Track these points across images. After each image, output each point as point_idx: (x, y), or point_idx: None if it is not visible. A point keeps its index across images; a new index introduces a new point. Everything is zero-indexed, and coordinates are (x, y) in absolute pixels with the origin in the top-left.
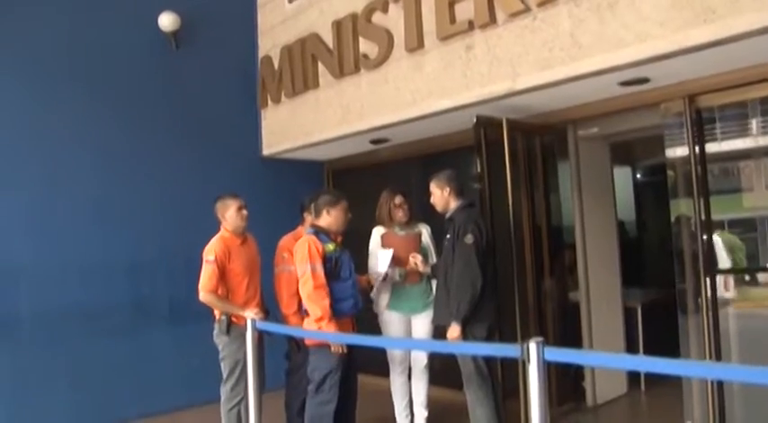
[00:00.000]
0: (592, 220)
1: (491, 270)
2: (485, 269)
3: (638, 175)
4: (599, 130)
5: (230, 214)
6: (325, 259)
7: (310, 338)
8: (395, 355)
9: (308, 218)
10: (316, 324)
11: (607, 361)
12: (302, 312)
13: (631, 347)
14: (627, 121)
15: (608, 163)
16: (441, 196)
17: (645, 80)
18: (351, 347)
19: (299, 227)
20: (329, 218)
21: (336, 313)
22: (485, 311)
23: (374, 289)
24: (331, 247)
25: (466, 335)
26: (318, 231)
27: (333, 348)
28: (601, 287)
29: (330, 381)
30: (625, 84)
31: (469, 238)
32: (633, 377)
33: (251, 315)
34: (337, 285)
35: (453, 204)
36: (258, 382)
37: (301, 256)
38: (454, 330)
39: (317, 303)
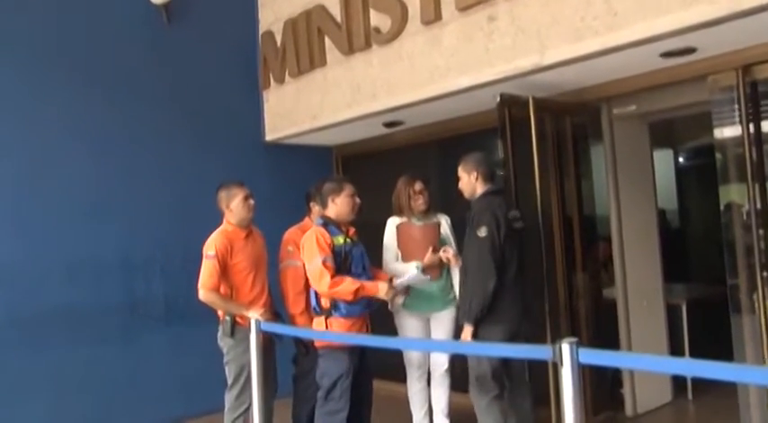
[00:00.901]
0: (629, 209)
1: (514, 267)
2: (502, 266)
3: (682, 159)
4: (637, 108)
5: (236, 204)
6: (334, 253)
7: (319, 340)
8: (412, 358)
9: (315, 208)
10: (355, 296)
11: (648, 364)
12: (312, 311)
13: (676, 350)
14: (669, 97)
15: (647, 145)
16: (467, 182)
17: (690, 50)
18: (364, 350)
19: (305, 218)
20: (335, 207)
21: (347, 313)
22: (502, 313)
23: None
24: (341, 239)
25: (479, 338)
26: (328, 222)
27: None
28: (640, 283)
29: (341, 386)
30: (667, 55)
31: (482, 231)
32: (679, 383)
33: (255, 315)
34: None
35: (479, 191)
36: (264, 390)
37: (309, 250)
38: (466, 332)
39: (344, 287)
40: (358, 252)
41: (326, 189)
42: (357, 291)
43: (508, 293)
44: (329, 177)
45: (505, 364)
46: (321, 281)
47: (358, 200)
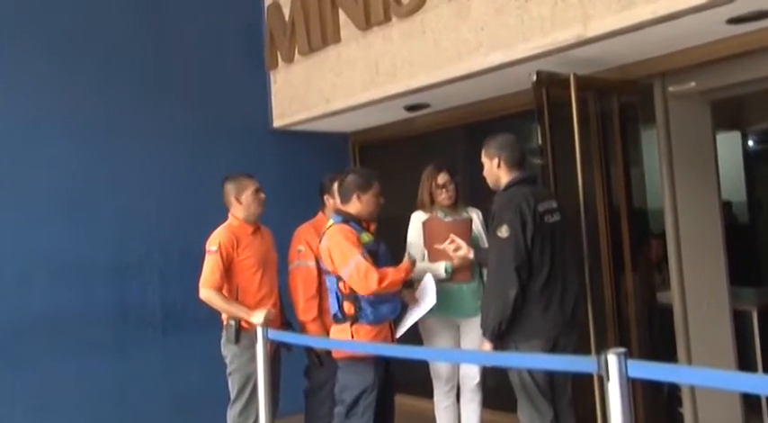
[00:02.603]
0: (687, 201)
1: (545, 271)
2: (529, 272)
3: (751, 142)
4: (697, 85)
5: (246, 197)
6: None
7: (338, 350)
8: (440, 370)
9: (330, 202)
10: (401, 283)
11: (710, 379)
12: (332, 319)
13: (746, 363)
14: (736, 70)
15: (709, 127)
16: (489, 169)
17: (766, 14)
18: (388, 361)
19: (318, 214)
20: (360, 204)
21: (375, 319)
22: (531, 327)
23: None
24: (365, 237)
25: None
26: (348, 219)
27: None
28: (701, 286)
29: (364, 402)
30: (736, 21)
31: (503, 231)
32: (752, 402)
33: (259, 319)
34: None
35: (505, 180)
36: (272, 405)
37: (343, 249)
38: (485, 348)
39: (391, 278)
40: (382, 250)
41: (353, 182)
42: (404, 276)
43: (537, 303)
44: (353, 169)
45: (550, 378)
46: (369, 278)
47: (381, 200)
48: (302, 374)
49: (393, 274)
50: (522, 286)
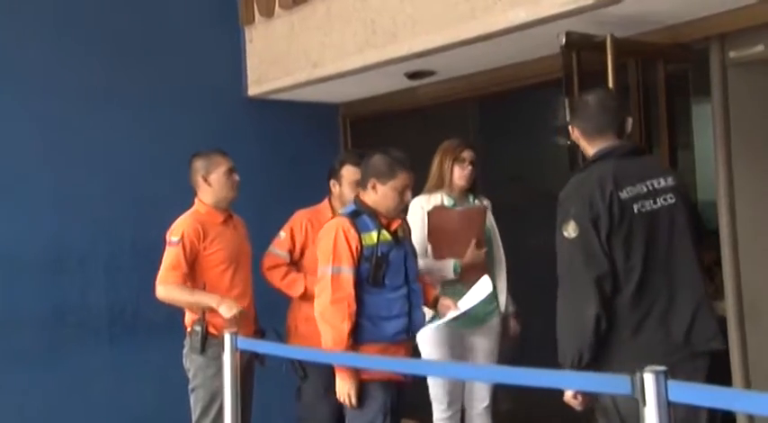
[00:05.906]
0: (747, 192)
1: (635, 278)
2: (614, 281)
3: None
4: (765, 50)
5: (216, 178)
6: (361, 256)
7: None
8: (440, 390)
9: (336, 189)
10: (336, 344)
11: None
12: None
13: None
14: None
15: None
16: (576, 142)
17: None
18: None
19: (324, 201)
20: (375, 195)
21: (374, 338)
22: (621, 354)
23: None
24: (373, 237)
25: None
26: (360, 211)
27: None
28: (761, 295)
29: None
30: None
31: (570, 229)
32: None
33: (230, 311)
34: (379, 296)
35: (590, 153)
36: None
37: (324, 250)
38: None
39: (330, 324)
40: (399, 256)
41: (373, 166)
42: (344, 340)
43: (624, 323)
44: (385, 149)
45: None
46: (320, 297)
47: (409, 196)
48: (294, 397)
49: (340, 329)
50: (605, 302)
